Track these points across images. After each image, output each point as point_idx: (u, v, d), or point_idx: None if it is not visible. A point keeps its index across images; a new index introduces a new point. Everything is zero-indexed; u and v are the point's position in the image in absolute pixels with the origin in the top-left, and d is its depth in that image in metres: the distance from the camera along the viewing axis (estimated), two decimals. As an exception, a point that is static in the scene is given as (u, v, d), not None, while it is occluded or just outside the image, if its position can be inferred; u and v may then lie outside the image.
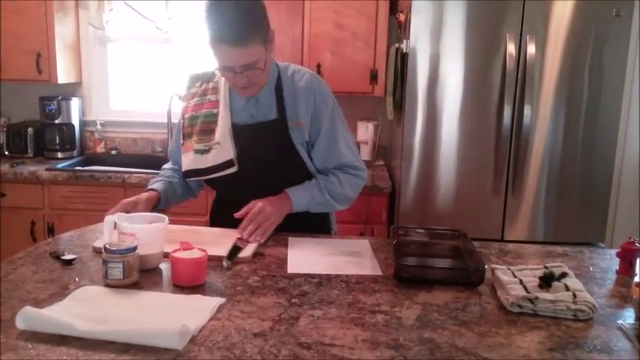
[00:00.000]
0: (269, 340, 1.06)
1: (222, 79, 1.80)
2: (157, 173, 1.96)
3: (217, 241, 1.59)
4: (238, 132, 1.76)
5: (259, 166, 1.76)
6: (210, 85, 1.83)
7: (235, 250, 1.52)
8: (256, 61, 1.61)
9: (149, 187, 1.84)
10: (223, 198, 1.93)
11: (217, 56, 1.61)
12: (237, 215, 1.67)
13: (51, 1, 3.28)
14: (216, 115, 1.78)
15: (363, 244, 1.70)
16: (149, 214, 1.54)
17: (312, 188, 1.77)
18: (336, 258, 1.56)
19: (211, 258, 1.47)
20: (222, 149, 1.74)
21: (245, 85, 1.67)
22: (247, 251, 1.54)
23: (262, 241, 1.64)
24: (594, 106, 2.76)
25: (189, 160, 1.80)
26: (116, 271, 1.29)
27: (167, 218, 1.48)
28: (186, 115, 1.84)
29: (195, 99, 1.84)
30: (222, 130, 1.76)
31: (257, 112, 1.78)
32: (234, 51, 1.57)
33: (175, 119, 3.45)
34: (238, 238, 1.59)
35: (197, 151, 1.78)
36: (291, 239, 1.70)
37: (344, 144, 1.82)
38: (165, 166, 1.99)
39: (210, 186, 1.89)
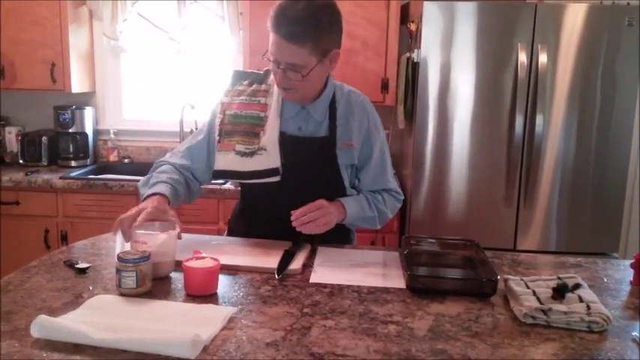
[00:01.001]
0: (281, 350, 1.06)
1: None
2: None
3: (266, 254, 1.60)
4: (284, 141, 1.71)
5: (299, 180, 1.71)
6: (263, 87, 1.77)
7: (285, 262, 1.52)
8: (302, 65, 1.58)
9: (153, 190, 1.62)
10: (249, 206, 1.86)
11: (270, 44, 1.59)
12: (294, 212, 1.62)
13: (66, 12, 3.32)
14: (263, 118, 1.73)
15: (393, 256, 1.68)
16: (161, 222, 1.52)
17: (362, 202, 1.77)
18: (361, 269, 1.54)
19: (262, 271, 1.49)
20: (269, 156, 1.69)
21: (284, 86, 1.64)
22: (297, 263, 1.53)
23: (311, 232, 1.62)
24: (607, 114, 2.75)
25: (227, 160, 1.72)
26: (129, 280, 1.29)
27: (179, 226, 1.49)
28: (229, 112, 1.75)
29: (243, 97, 1.76)
30: (271, 137, 1.70)
31: (307, 126, 1.74)
32: (283, 45, 1.55)
33: (187, 128, 3.50)
34: (286, 250, 1.59)
35: (238, 153, 1.71)
36: (320, 249, 1.70)
37: (390, 171, 1.86)
38: (169, 159, 1.79)
39: (243, 190, 1.85)
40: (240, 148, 1.72)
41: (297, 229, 1.61)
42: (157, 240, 1.41)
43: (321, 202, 1.65)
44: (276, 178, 1.69)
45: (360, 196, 1.78)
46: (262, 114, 1.73)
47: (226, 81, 1.83)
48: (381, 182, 1.83)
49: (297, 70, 1.59)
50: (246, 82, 1.80)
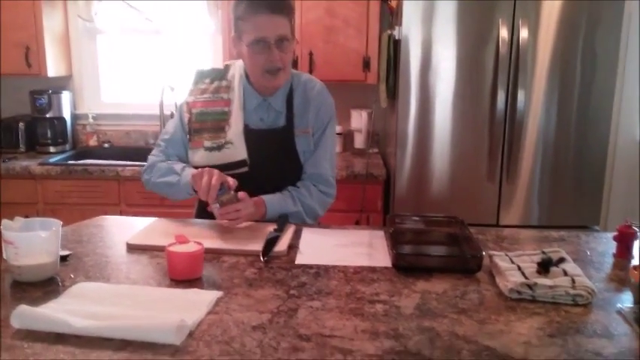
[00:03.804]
0: (268, 332, 1.06)
1: (237, 77, 1.84)
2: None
3: (250, 236, 1.59)
4: (248, 134, 1.80)
5: (263, 170, 1.80)
6: (224, 83, 1.86)
7: (270, 244, 1.51)
8: (288, 38, 1.71)
9: (188, 172, 1.73)
10: None
11: (252, 29, 1.68)
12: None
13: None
14: (227, 113, 1.81)
15: (378, 235, 1.68)
16: (43, 220, 1.35)
17: (286, 198, 1.80)
18: (347, 249, 1.54)
19: (247, 253, 1.47)
20: (236, 149, 1.78)
21: (278, 65, 1.71)
22: (282, 245, 1.52)
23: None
24: (587, 89, 2.76)
25: (198, 157, 1.81)
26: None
27: (60, 224, 1.33)
28: (194, 110, 1.84)
29: (206, 95, 1.85)
30: (236, 130, 1.79)
31: (268, 116, 1.84)
32: (269, 20, 1.67)
33: (167, 111, 3.45)
34: (271, 232, 1.58)
35: (207, 148, 1.80)
36: (305, 229, 1.69)
37: (327, 156, 1.89)
38: (159, 160, 1.87)
39: None
40: (207, 143, 1.81)
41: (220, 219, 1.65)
42: (27, 240, 1.28)
43: (244, 194, 1.66)
44: (244, 169, 1.78)
45: (284, 193, 1.81)
46: (226, 109, 1.82)
47: (189, 80, 1.91)
48: (312, 161, 1.87)
49: (284, 41, 1.70)
50: (207, 80, 1.88)
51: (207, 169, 1.63)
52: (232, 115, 1.81)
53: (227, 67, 1.90)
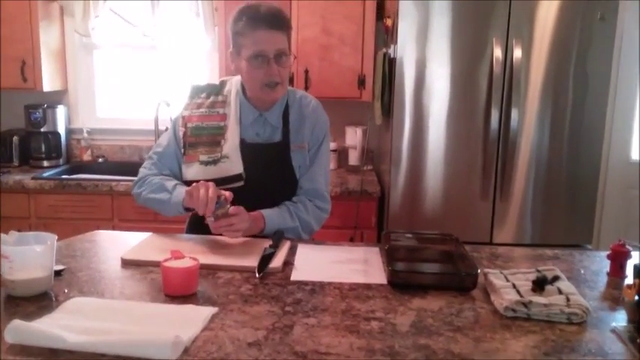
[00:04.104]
0: (263, 349, 1.05)
1: (233, 92, 1.85)
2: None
3: (246, 252, 1.59)
4: (244, 148, 1.80)
5: (259, 184, 1.80)
6: (220, 98, 1.87)
7: (265, 260, 1.50)
8: (287, 53, 1.74)
9: (180, 190, 1.73)
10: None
11: (251, 44, 1.70)
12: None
13: (36, 8, 3.24)
14: (223, 127, 1.82)
15: (373, 251, 1.68)
16: (38, 233, 1.35)
17: (284, 213, 1.80)
18: (342, 266, 1.54)
19: (242, 269, 1.47)
20: (232, 163, 1.79)
21: (277, 79, 1.73)
22: (277, 261, 1.52)
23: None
24: (580, 108, 2.78)
25: (193, 171, 1.81)
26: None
27: (55, 238, 1.32)
28: (190, 125, 1.85)
29: (202, 109, 1.86)
30: (232, 144, 1.80)
31: (264, 131, 1.85)
32: (268, 35, 1.69)
33: (162, 126, 3.45)
34: (266, 248, 1.58)
35: (202, 162, 1.80)
36: (300, 245, 1.69)
37: (322, 171, 1.91)
38: (151, 173, 1.86)
39: None
40: (203, 158, 1.81)
41: (215, 232, 1.66)
42: (22, 254, 1.27)
43: (240, 208, 1.66)
44: (240, 184, 1.78)
45: (282, 207, 1.82)
46: (222, 123, 1.83)
47: (185, 95, 1.92)
48: (307, 177, 1.88)
49: (282, 56, 1.73)
50: (203, 95, 1.89)
51: (201, 182, 1.63)
52: (228, 130, 1.82)
53: (223, 83, 1.91)
